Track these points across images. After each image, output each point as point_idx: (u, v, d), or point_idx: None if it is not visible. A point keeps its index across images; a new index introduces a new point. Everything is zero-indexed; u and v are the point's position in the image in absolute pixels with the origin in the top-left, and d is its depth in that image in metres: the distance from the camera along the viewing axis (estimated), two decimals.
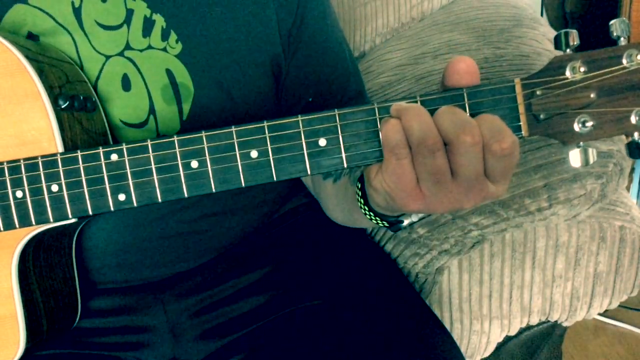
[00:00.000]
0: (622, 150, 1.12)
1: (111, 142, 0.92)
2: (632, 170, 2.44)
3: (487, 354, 1.26)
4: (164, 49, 0.96)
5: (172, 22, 0.96)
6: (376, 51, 1.67)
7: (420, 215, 0.84)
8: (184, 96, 0.96)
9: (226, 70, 0.99)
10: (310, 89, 1.07)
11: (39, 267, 0.88)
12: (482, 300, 1.18)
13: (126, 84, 0.94)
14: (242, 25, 1.00)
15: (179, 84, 0.96)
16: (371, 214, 0.84)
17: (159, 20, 0.96)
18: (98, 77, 0.94)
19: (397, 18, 1.73)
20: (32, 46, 0.87)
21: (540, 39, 1.36)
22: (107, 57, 0.94)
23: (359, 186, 0.83)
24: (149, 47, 0.95)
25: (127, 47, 0.95)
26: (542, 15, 2.49)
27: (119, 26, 0.95)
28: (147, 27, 0.95)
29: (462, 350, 1.20)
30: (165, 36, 0.96)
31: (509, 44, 1.35)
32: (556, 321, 1.24)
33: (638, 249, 1.19)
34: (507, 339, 1.26)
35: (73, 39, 0.93)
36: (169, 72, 0.96)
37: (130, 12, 0.95)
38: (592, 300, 1.20)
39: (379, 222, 0.85)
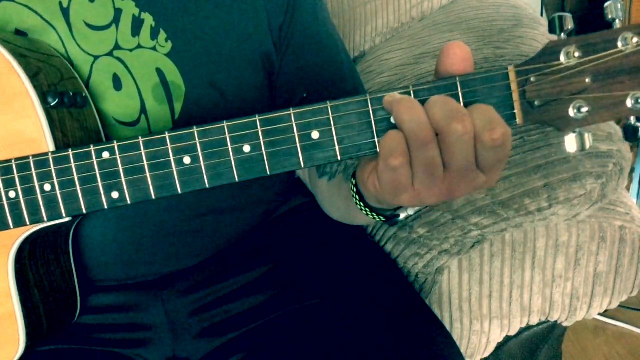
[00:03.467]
0: (622, 150, 1.12)
1: (103, 136, 0.92)
2: (632, 170, 2.44)
3: (487, 354, 1.25)
4: (154, 48, 0.95)
5: (161, 20, 0.96)
6: (376, 51, 1.67)
7: (417, 208, 0.84)
8: (176, 95, 0.96)
9: (217, 68, 0.99)
10: (304, 84, 1.06)
11: (36, 265, 0.88)
12: (482, 300, 1.18)
13: (117, 84, 0.94)
14: (231, 22, 1.00)
15: (169, 83, 0.96)
16: (367, 209, 0.84)
17: (148, 19, 0.95)
18: (89, 78, 0.94)
19: (397, 18, 1.73)
20: (20, 41, 0.87)
21: (540, 39, 1.36)
22: (96, 58, 0.94)
23: (354, 182, 0.83)
24: (139, 46, 0.95)
25: (117, 47, 0.95)
26: (542, 15, 2.50)
27: (108, 26, 0.94)
28: (136, 26, 0.95)
29: (462, 350, 1.20)
30: (154, 35, 0.95)
31: (509, 44, 1.35)
32: (556, 321, 1.23)
33: (638, 249, 1.19)
34: (507, 339, 1.26)
35: (60, 38, 0.93)
36: (159, 72, 0.95)
37: (118, 12, 0.95)
38: (592, 300, 1.20)
39: (375, 217, 0.85)
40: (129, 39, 0.95)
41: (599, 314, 1.61)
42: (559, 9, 2.46)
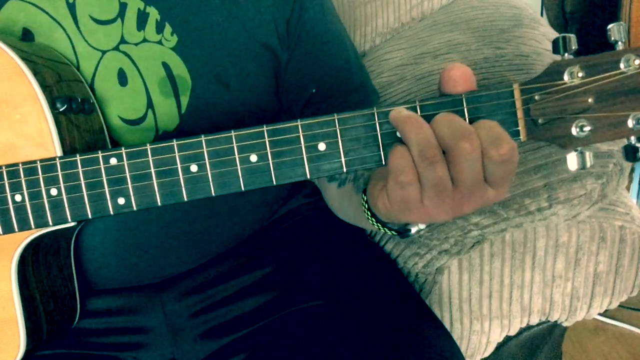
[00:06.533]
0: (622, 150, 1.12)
1: (108, 141, 0.92)
2: (632, 170, 2.44)
3: (487, 354, 1.25)
4: (160, 42, 0.95)
5: (167, 14, 0.96)
6: (376, 51, 1.67)
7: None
8: (182, 89, 0.96)
9: (223, 62, 0.99)
10: (313, 80, 1.07)
11: (38, 269, 0.88)
12: (482, 300, 1.18)
13: (122, 79, 0.94)
14: (235, 15, 1.00)
15: (176, 77, 0.96)
16: (379, 225, 0.85)
17: (153, 13, 0.95)
18: (94, 74, 0.94)
19: (397, 18, 1.73)
20: (28, 47, 0.87)
21: (540, 39, 1.36)
22: (103, 52, 0.94)
23: (365, 199, 0.83)
24: (144, 40, 0.95)
25: (122, 41, 0.94)
26: (542, 15, 2.49)
27: (113, 20, 0.94)
28: (142, 20, 0.95)
29: (462, 350, 1.20)
30: (160, 29, 0.95)
31: (509, 44, 1.35)
32: (556, 321, 1.23)
33: (638, 249, 1.19)
34: (507, 339, 1.26)
35: (68, 35, 0.93)
36: (165, 65, 0.95)
37: (123, 6, 0.95)
38: (592, 300, 1.20)
39: (387, 231, 0.86)
40: (135, 33, 0.95)
41: (599, 314, 1.61)
42: (559, 9, 2.45)
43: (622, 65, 0.67)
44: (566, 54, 0.69)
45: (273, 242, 1.16)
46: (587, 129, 0.68)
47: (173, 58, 0.96)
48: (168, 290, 1.07)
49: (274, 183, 0.74)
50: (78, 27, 0.93)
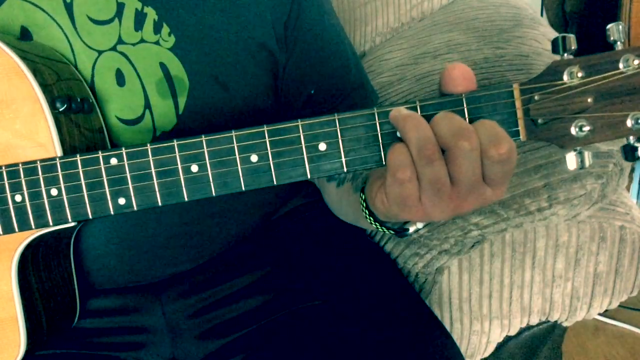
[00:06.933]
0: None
1: (107, 140, 0.92)
2: (632, 170, 2.44)
3: (487, 354, 1.26)
4: (157, 42, 0.95)
5: (164, 14, 0.96)
6: (376, 51, 1.67)
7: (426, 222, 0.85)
8: (179, 90, 0.96)
9: (221, 63, 0.99)
10: (311, 81, 1.07)
11: (38, 269, 0.88)
12: (482, 300, 1.18)
13: (120, 79, 0.94)
14: (234, 17, 1.00)
15: (173, 78, 0.96)
16: (377, 224, 0.85)
17: (151, 13, 0.95)
18: (92, 74, 0.94)
19: (397, 18, 1.73)
20: (27, 47, 0.87)
21: (540, 39, 1.36)
22: (100, 52, 0.94)
23: (363, 198, 0.83)
24: (142, 40, 0.95)
25: (120, 41, 0.94)
26: (542, 15, 2.49)
27: (111, 20, 0.94)
28: (139, 20, 0.95)
29: (462, 350, 1.21)
30: (157, 29, 0.95)
31: (509, 44, 1.35)
32: (556, 321, 1.23)
33: (638, 249, 1.19)
34: (507, 339, 1.26)
35: (65, 34, 0.93)
36: (162, 66, 0.95)
37: (121, 6, 0.95)
38: (592, 300, 1.20)
39: (386, 230, 0.86)
40: (132, 33, 0.95)
41: (599, 314, 1.61)
42: (559, 9, 2.45)
43: (621, 65, 0.67)
44: (565, 54, 0.69)
45: (272, 242, 1.15)
46: (586, 128, 0.69)
47: (171, 58, 0.96)
48: (167, 290, 1.07)
49: (275, 183, 0.74)
50: (75, 27, 0.93)
